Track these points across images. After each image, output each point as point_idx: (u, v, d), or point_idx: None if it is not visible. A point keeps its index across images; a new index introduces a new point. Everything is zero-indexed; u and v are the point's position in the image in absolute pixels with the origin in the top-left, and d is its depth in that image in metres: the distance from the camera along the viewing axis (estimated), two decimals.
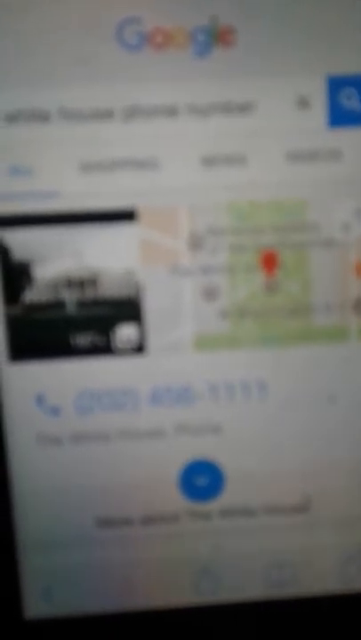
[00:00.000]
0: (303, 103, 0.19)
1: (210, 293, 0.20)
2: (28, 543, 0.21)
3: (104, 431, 0.21)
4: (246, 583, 0.22)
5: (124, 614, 0.22)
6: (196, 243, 0.20)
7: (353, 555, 0.22)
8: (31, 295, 0.20)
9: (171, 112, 0.19)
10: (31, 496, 0.21)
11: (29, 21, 0.18)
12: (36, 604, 0.22)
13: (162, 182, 0.19)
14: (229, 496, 0.22)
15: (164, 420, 0.21)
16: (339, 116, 0.20)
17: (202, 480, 0.22)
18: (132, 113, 0.19)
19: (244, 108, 0.19)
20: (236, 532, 0.22)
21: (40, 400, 0.20)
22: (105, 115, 0.19)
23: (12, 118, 0.18)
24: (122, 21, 0.18)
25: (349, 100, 0.19)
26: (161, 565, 0.22)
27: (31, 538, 0.21)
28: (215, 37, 0.19)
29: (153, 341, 0.20)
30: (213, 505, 0.22)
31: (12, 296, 0.20)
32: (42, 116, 0.19)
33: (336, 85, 0.19)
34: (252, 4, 0.18)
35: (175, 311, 0.20)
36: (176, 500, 0.22)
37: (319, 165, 0.20)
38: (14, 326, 0.20)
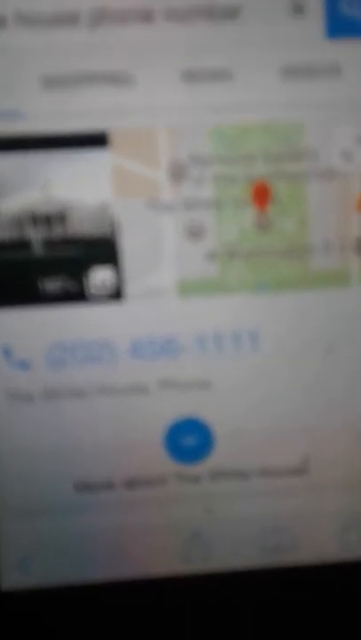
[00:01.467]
0: (297, 8, 0.16)
1: (195, 232, 0.17)
2: (2, 510, 0.19)
3: (79, 387, 0.18)
4: (240, 550, 0.20)
5: (107, 585, 0.19)
6: (177, 173, 0.17)
7: (354, 520, 0.19)
8: None
9: (145, 17, 0.16)
10: (3, 458, 0.18)
11: None
12: (13, 575, 0.19)
13: (137, 101, 0.16)
14: (220, 457, 0.19)
15: (147, 374, 0.18)
16: (338, 25, 0.16)
17: (189, 440, 0.19)
18: (101, 17, 0.15)
19: (230, 14, 0.16)
20: (228, 495, 0.19)
21: (7, 352, 0.17)
22: (69, 19, 0.15)
23: None
24: None
25: (351, 8, 0.16)
26: (147, 532, 0.20)
27: (5, 504, 0.19)
28: None
29: (131, 287, 0.17)
30: (203, 467, 0.19)
31: None
32: None
33: None
34: None
35: (156, 252, 0.17)
36: (162, 461, 0.19)
37: (316, 83, 0.16)
38: None
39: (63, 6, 0.16)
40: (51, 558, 0.20)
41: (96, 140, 0.17)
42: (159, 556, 0.20)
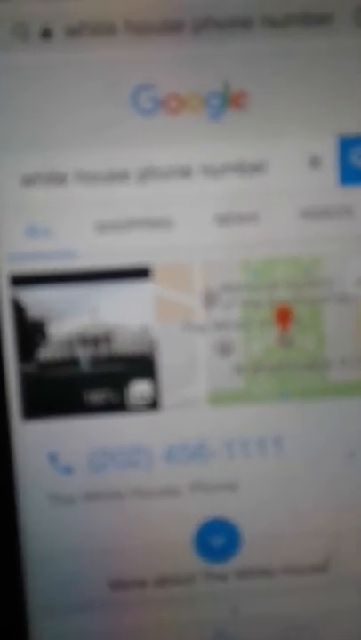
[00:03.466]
0: (315, 162, 0.22)
1: (224, 349, 0.23)
2: (39, 607, 0.23)
3: (117, 490, 0.23)
4: None
5: None
6: (210, 299, 0.22)
7: None
8: (45, 353, 0.22)
9: (185, 173, 0.22)
10: (42, 557, 0.23)
11: (46, 85, 0.21)
12: None
13: (176, 240, 0.22)
14: (246, 556, 0.24)
15: (179, 477, 0.23)
16: (350, 175, 0.22)
17: (217, 540, 0.24)
18: (147, 174, 0.21)
19: (257, 168, 0.22)
20: (254, 593, 0.24)
21: (53, 458, 0.23)
22: (120, 176, 0.21)
23: (29, 181, 0.21)
24: (137, 87, 0.21)
25: (360, 159, 0.22)
26: (175, 629, 0.24)
27: (42, 602, 0.23)
28: (228, 101, 0.21)
29: (167, 398, 0.23)
30: (230, 566, 0.24)
31: (26, 354, 0.22)
32: (58, 179, 0.21)
33: (347, 145, 0.22)
34: (263, 68, 0.21)
35: (189, 367, 0.23)
36: (191, 560, 0.23)
37: (332, 222, 0.22)
38: (28, 384, 0.22)
39: (116, 166, 0.22)
40: None
41: (140, 273, 0.23)
42: None
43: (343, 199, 0.21)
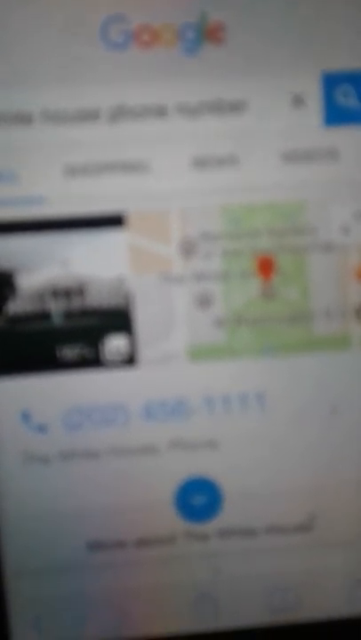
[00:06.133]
0: (298, 101, 0.22)
1: (204, 301, 0.23)
2: (15, 570, 0.23)
3: (94, 448, 0.23)
4: (248, 608, 0.24)
5: None
6: (188, 249, 0.22)
7: (355, 573, 0.25)
8: (15, 307, 0.22)
9: (159, 112, 0.21)
10: (18, 519, 0.23)
11: (9, 20, 0.20)
12: (25, 635, 0.24)
13: (152, 186, 0.22)
14: (228, 516, 0.24)
15: (158, 435, 0.23)
16: (335, 115, 0.22)
17: (199, 499, 0.24)
18: (119, 114, 0.21)
19: (236, 108, 0.21)
20: (236, 553, 0.24)
21: (26, 417, 0.23)
22: (90, 116, 0.21)
23: None
24: (106, 19, 0.20)
25: (346, 98, 0.22)
26: (157, 591, 0.24)
27: (18, 564, 0.23)
28: (204, 34, 0.21)
29: (144, 353, 0.23)
30: (211, 525, 0.24)
31: None
32: (24, 119, 0.21)
33: (332, 82, 0.22)
34: None
35: (167, 320, 0.23)
36: (172, 520, 0.24)
37: (316, 166, 0.22)
38: None
39: (85, 104, 0.22)
40: (63, 618, 0.25)
41: (114, 221, 0.22)
42: (168, 614, 0.25)
43: (327, 141, 0.21)
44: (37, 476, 0.22)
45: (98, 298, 0.21)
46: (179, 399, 0.22)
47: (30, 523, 0.23)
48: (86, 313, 0.21)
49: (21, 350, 0.21)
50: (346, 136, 0.21)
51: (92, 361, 0.22)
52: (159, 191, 0.21)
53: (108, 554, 0.23)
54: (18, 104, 0.20)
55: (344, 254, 0.22)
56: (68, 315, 0.21)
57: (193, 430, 0.23)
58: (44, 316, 0.21)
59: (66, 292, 0.21)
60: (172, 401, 0.22)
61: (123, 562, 0.23)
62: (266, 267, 0.22)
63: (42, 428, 0.22)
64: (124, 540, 0.23)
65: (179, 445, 0.23)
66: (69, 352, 0.21)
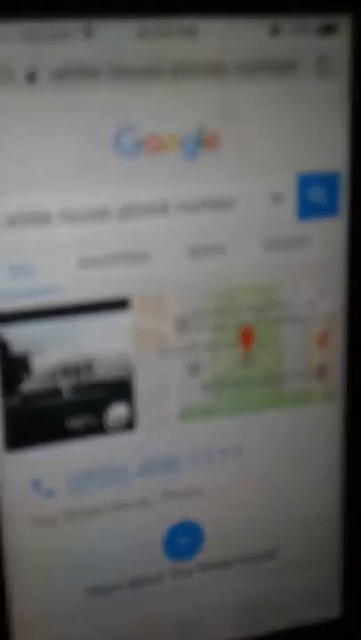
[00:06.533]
0: (277, 198, 0.25)
1: (194, 369, 0.26)
2: (22, 620, 0.26)
3: (95, 506, 0.26)
4: (224, 625, 0.29)
5: None
6: (182, 325, 0.26)
7: (312, 591, 0.30)
8: (29, 385, 0.24)
9: (162, 209, 0.24)
10: (25, 574, 0.26)
11: (31, 127, 0.22)
12: None
13: (152, 272, 0.25)
14: (208, 551, 0.28)
15: (151, 489, 0.26)
16: (307, 209, 0.26)
17: (184, 540, 0.27)
18: (127, 211, 0.24)
19: (227, 204, 0.25)
20: (214, 582, 0.28)
21: (36, 484, 0.25)
22: (102, 214, 0.23)
23: (14, 221, 0.23)
24: (120, 130, 0.23)
25: (316, 195, 0.26)
26: (144, 623, 0.28)
27: (25, 614, 0.26)
28: (202, 142, 0.24)
29: (142, 418, 0.26)
30: (194, 562, 0.28)
31: (10, 388, 0.24)
32: (42, 218, 0.23)
33: (305, 183, 0.26)
34: (232, 113, 0.24)
35: (163, 388, 0.26)
36: (160, 560, 0.27)
37: (291, 252, 0.26)
38: (11, 417, 0.24)
39: (98, 204, 0.24)
40: None
41: (119, 305, 0.25)
42: None
43: (301, 231, 0.25)
44: (44, 536, 0.25)
45: (103, 372, 0.24)
46: (170, 456, 0.26)
47: (36, 576, 0.25)
48: (93, 386, 0.24)
49: (34, 425, 0.24)
50: (316, 227, 0.25)
51: (97, 428, 0.24)
52: (159, 277, 0.24)
53: (105, 597, 0.26)
54: (37, 205, 0.22)
55: (309, 324, 0.26)
56: (77, 389, 0.24)
57: (181, 481, 0.26)
58: (55, 392, 0.24)
59: (75, 369, 0.24)
60: (164, 458, 0.26)
61: (117, 602, 0.26)
62: (247, 337, 0.26)
63: (50, 493, 0.24)
64: (118, 583, 0.26)
65: (169, 496, 0.26)
66: (77, 422, 0.24)
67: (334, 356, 0.26)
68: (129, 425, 0.24)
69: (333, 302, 0.26)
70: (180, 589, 0.27)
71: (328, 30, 0.23)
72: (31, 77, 0.20)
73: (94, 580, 0.26)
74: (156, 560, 0.26)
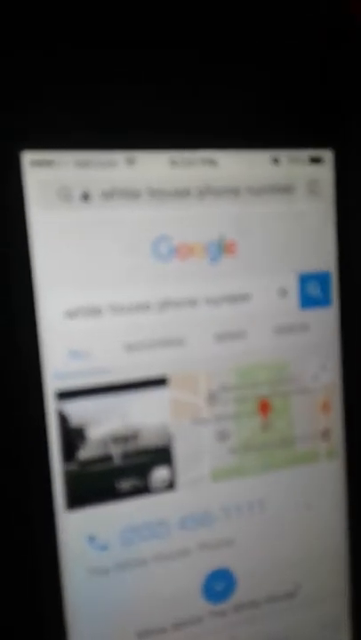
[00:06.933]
0: (283, 292, 0.24)
1: (223, 436, 0.24)
2: None
3: (142, 557, 0.24)
4: None
5: None
6: (211, 398, 0.24)
7: (327, 622, 0.26)
8: (84, 452, 0.22)
9: (193, 303, 0.23)
10: (82, 620, 0.23)
11: (85, 238, 0.22)
12: None
13: (186, 354, 0.24)
14: (240, 594, 0.26)
15: (190, 540, 0.24)
16: (307, 301, 0.25)
17: (219, 585, 0.25)
18: (164, 305, 0.23)
19: (244, 298, 0.24)
20: (246, 621, 0.25)
21: (91, 540, 0.23)
22: (143, 308, 0.23)
23: (71, 314, 0.22)
24: (157, 239, 0.22)
25: (313, 290, 0.25)
26: None
27: None
28: (223, 249, 0.23)
29: (181, 478, 0.24)
30: (228, 603, 0.25)
31: (69, 455, 0.22)
32: (95, 311, 0.22)
33: (305, 280, 0.25)
34: (246, 225, 0.24)
35: (197, 453, 0.24)
36: (200, 604, 0.26)
37: (295, 335, 0.25)
38: (71, 480, 0.22)
39: (140, 300, 0.23)
40: None
41: (159, 382, 0.23)
42: None
43: (302, 318, 0.24)
44: (98, 585, 0.23)
45: (147, 440, 0.22)
46: (205, 511, 0.24)
47: (92, 621, 0.23)
48: (139, 452, 0.22)
49: (89, 487, 0.22)
50: (315, 315, 0.25)
51: (143, 489, 0.23)
52: (191, 358, 0.23)
53: (153, 638, 0.23)
54: (90, 301, 0.21)
55: (314, 394, 0.25)
56: (125, 455, 0.22)
57: (215, 533, 0.25)
58: (107, 458, 0.22)
59: (124, 438, 0.22)
60: (200, 513, 0.24)
61: None
62: (264, 407, 0.24)
63: (103, 547, 0.22)
64: (164, 626, 0.23)
65: (205, 546, 0.24)
66: (125, 484, 0.22)
67: (335, 420, 0.24)
68: (170, 485, 0.22)
69: (332, 375, 0.24)
70: (218, 629, 0.24)
71: (316, 160, 0.23)
72: (85, 197, 0.20)
73: (143, 623, 0.23)
74: (196, 603, 0.25)
